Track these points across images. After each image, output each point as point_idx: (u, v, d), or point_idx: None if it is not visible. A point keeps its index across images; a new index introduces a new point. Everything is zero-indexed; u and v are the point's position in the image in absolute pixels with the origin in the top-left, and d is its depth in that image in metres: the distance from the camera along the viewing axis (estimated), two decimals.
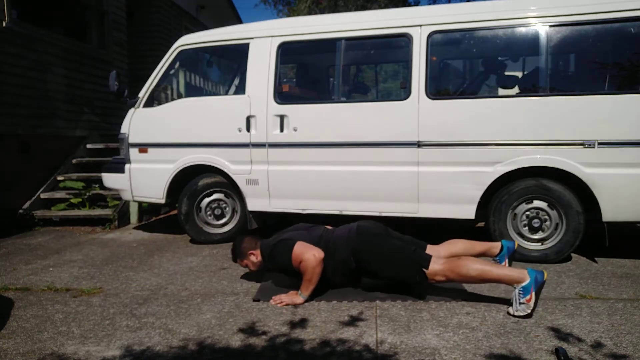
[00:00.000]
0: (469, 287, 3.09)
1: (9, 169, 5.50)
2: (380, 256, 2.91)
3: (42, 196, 5.93)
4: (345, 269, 3.00)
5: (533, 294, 2.57)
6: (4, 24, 5.38)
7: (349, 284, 3.11)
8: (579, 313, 2.67)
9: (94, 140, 6.85)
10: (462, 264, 2.74)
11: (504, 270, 2.72)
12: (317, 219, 4.06)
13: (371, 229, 3.01)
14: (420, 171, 3.81)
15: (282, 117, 4.14)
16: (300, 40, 4.18)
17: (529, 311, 2.57)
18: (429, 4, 18.17)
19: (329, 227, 3.24)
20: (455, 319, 2.62)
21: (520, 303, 2.59)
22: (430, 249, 3.04)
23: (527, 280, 2.59)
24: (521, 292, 2.59)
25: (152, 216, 6.16)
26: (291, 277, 3.04)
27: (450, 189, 3.77)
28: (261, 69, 4.21)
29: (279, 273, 3.16)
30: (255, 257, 3.13)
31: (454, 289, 3.04)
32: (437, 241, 3.23)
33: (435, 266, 2.79)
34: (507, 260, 3.25)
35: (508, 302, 2.78)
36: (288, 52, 4.33)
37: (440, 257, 2.93)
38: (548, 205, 3.67)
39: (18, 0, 5.67)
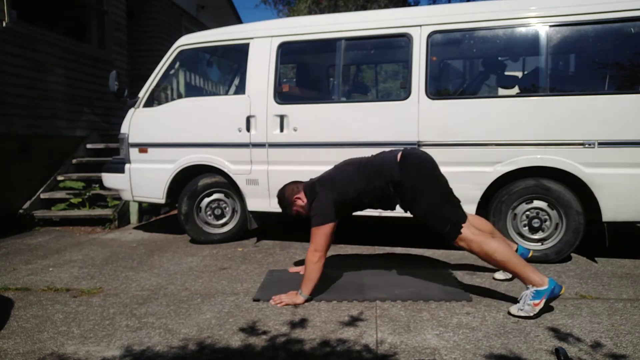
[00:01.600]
0: (469, 287, 3.09)
1: (9, 169, 5.50)
2: (422, 195, 2.81)
3: (42, 196, 5.92)
4: (383, 195, 2.91)
5: (543, 301, 2.56)
6: (4, 24, 5.38)
7: (383, 208, 3.05)
8: (579, 313, 2.67)
9: (94, 140, 6.85)
10: (492, 243, 2.69)
11: (528, 268, 2.65)
12: None
13: (428, 160, 2.91)
14: None
15: (282, 117, 4.14)
16: (300, 40, 4.18)
17: (532, 314, 2.56)
18: (429, 4, 18.19)
19: (373, 155, 3.10)
20: (455, 319, 2.62)
21: (527, 304, 2.58)
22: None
23: (545, 287, 2.57)
24: (533, 294, 2.57)
25: (152, 216, 6.16)
26: None
27: None
28: (261, 69, 4.21)
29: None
30: (302, 200, 3.06)
31: (454, 290, 3.04)
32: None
33: (467, 232, 2.72)
34: None
35: (508, 302, 2.78)
36: (288, 52, 4.34)
37: (471, 225, 2.86)
38: (548, 205, 3.67)
39: (18, 0, 5.66)
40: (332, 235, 2.90)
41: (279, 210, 4.24)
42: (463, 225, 2.74)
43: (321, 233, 2.83)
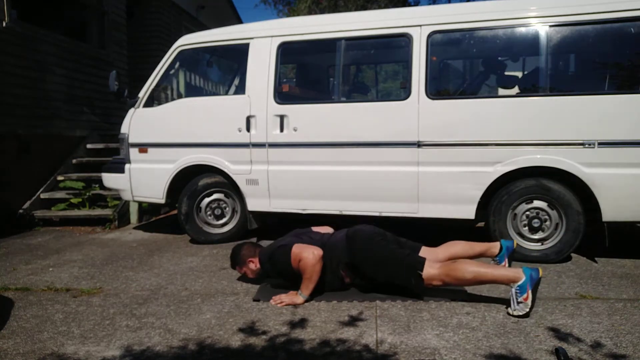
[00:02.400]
0: (469, 287, 3.09)
1: (9, 169, 5.50)
2: (374, 260, 2.91)
3: (42, 196, 5.93)
4: (342, 271, 3.00)
5: (530, 292, 2.57)
6: (4, 24, 5.38)
7: (345, 287, 3.09)
8: (579, 313, 2.67)
9: (94, 140, 6.85)
10: (457, 267, 2.74)
11: (499, 270, 2.73)
12: (317, 219, 4.06)
13: (365, 233, 3.01)
14: (420, 171, 3.81)
15: (282, 117, 4.14)
16: (300, 40, 4.18)
17: (527, 310, 2.57)
18: (429, 4, 18.18)
19: (328, 231, 3.25)
20: (455, 319, 2.62)
21: (518, 302, 2.59)
22: (428, 252, 3.04)
23: (523, 279, 2.59)
24: (518, 290, 2.60)
25: (152, 216, 6.16)
26: (290, 281, 3.03)
27: (450, 189, 3.77)
28: (261, 69, 4.21)
29: (277, 278, 3.16)
30: (254, 264, 3.14)
31: (453, 289, 3.04)
32: (436, 241, 3.23)
33: (431, 270, 2.77)
34: (506, 260, 3.25)
35: (508, 302, 2.78)
36: (288, 52, 4.33)
37: (439, 259, 2.93)
38: (548, 205, 3.67)
39: (18, 0, 5.66)
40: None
41: (279, 210, 4.27)
42: (423, 268, 2.77)
43: (299, 248, 2.91)
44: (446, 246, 3.19)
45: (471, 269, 2.71)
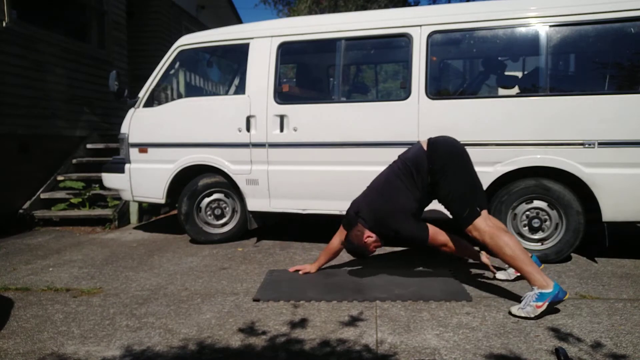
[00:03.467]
0: (469, 287, 3.09)
1: (9, 169, 5.50)
2: (448, 176, 2.89)
3: (42, 196, 5.92)
4: (423, 188, 3.00)
5: (546, 304, 2.56)
6: (4, 24, 5.38)
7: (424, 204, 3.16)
8: (579, 313, 2.67)
9: (94, 140, 6.85)
10: (504, 237, 2.73)
11: (534, 269, 2.66)
12: (317, 219, 4.06)
13: (450, 143, 3.01)
14: None
15: (282, 117, 4.14)
16: (300, 40, 4.18)
17: (533, 316, 2.56)
18: (429, 4, 18.19)
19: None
20: (455, 319, 2.62)
21: (529, 305, 2.57)
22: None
23: (550, 290, 2.57)
24: (537, 296, 2.57)
25: (152, 216, 6.16)
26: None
27: None
28: (261, 69, 4.21)
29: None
30: (371, 236, 3.09)
31: (454, 290, 3.04)
32: None
33: (482, 222, 2.77)
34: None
35: (508, 302, 2.79)
36: (288, 52, 4.33)
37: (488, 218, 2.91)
38: (548, 205, 3.67)
39: (18, 0, 5.66)
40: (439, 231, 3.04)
41: (279, 210, 4.27)
42: (481, 214, 2.79)
43: (436, 233, 3.01)
44: (493, 217, 3.20)
45: (514, 247, 2.70)
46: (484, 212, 2.84)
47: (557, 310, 2.69)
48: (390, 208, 3.04)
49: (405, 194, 3.01)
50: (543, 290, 2.57)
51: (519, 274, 3.05)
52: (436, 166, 2.91)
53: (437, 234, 3.02)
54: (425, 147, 3.00)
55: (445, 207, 3.00)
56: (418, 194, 3.02)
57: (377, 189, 3.14)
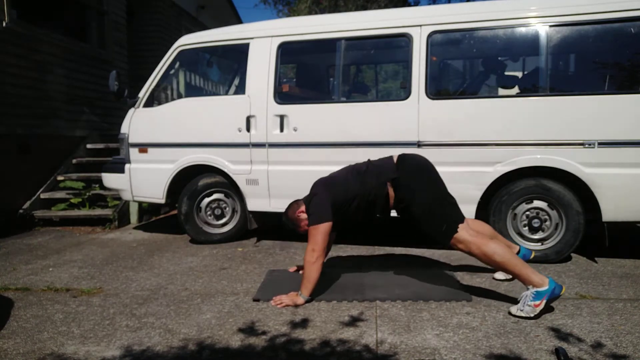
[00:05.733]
0: (469, 287, 3.09)
1: (9, 169, 5.50)
2: (418, 193, 2.81)
3: (42, 196, 5.92)
4: (376, 197, 2.90)
5: (544, 302, 2.56)
6: (4, 24, 5.38)
7: (367, 220, 3.04)
8: (579, 313, 2.67)
9: (94, 140, 6.85)
10: (490, 245, 2.68)
11: (528, 269, 2.64)
12: None
13: (419, 160, 2.94)
14: None
15: (282, 117, 4.14)
16: (300, 40, 4.18)
17: (532, 315, 2.56)
18: (429, 4, 18.19)
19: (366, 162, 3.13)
20: (455, 319, 2.62)
21: (527, 305, 2.57)
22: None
23: (545, 287, 2.57)
24: (534, 294, 2.57)
25: (152, 216, 6.16)
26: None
27: (450, 189, 3.75)
28: (261, 69, 4.21)
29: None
30: (303, 212, 3.04)
31: (454, 290, 3.04)
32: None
33: (465, 233, 2.70)
34: None
35: (508, 302, 2.78)
36: (288, 52, 4.33)
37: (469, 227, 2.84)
38: (548, 205, 3.67)
39: (18, 0, 5.66)
40: (330, 235, 2.90)
41: (279, 210, 4.26)
42: (460, 225, 2.73)
43: (318, 232, 2.84)
44: (476, 222, 3.17)
45: (503, 253, 2.65)
46: (464, 223, 2.76)
47: (557, 310, 2.69)
48: (322, 182, 3.00)
49: (349, 185, 2.93)
50: (539, 289, 2.58)
51: None
52: (403, 180, 2.85)
53: (324, 233, 2.85)
54: (394, 160, 2.95)
55: (422, 231, 2.88)
56: (359, 194, 2.91)
57: (339, 170, 3.13)
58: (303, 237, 4.61)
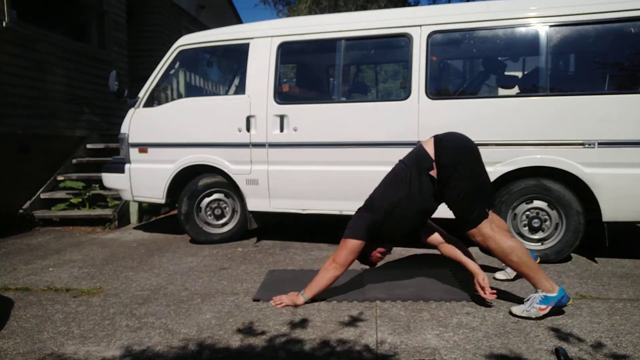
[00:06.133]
0: (469, 287, 3.09)
1: (9, 169, 5.50)
2: (460, 174, 2.67)
3: (42, 196, 5.92)
4: (421, 192, 2.76)
5: (550, 307, 2.56)
6: (4, 24, 5.38)
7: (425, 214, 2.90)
8: (579, 313, 2.67)
9: (94, 140, 6.85)
10: (510, 242, 2.63)
11: (541, 273, 2.62)
12: (317, 219, 4.06)
13: (462, 139, 2.82)
14: None
15: (282, 117, 4.14)
16: (300, 40, 4.18)
17: (534, 317, 2.56)
18: (429, 4, 18.19)
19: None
20: (455, 319, 2.62)
21: (533, 307, 2.57)
22: None
23: (554, 294, 2.56)
24: (542, 298, 2.57)
25: (152, 216, 6.16)
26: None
27: None
28: (261, 69, 4.21)
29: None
30: (378, 250, 2.96)
31: (454, 290, 3.04)
32: None
33: (487, 226, 2.65)
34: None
35: (508, 302, 2.78)
36: (288, 52, 4.33)
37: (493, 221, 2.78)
38: (548, 205, 3.67)
39: (18, 0, 5.66)
40: (356, 254, 2.82)
41: (279, 210, 4.27)
42: (486, 218, 2.67)
43: (346, 247, 2.78)
44: (496, 217, 3.12)
45: (521, 254, 2.61)
46: (489, 215, 2.71)
47: (557, 310, 2.69)
48: (366, 204, 2.91)
49: (389, 195, 2.82)
50: (548, 294, 2.57)
51: (517, 274, 3.04)
52: (446, 161, 2.69)
53: (350, 250, 2.77)
54: (429, 146, 2.78)
55: (451, 207, 2.78)
56: (404, 198, 2.77)
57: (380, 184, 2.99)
58: (304, 238, 4.64)
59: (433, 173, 2.73)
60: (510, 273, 3.22)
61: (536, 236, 3.71)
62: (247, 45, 4.29)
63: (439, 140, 2.78)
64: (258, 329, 2.55)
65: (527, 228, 3.72)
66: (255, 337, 2.45)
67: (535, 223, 3.69)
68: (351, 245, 2.77)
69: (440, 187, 2.75)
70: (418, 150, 2.84)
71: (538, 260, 3.36)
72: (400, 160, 2.94)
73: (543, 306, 2.56)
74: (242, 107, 4.25)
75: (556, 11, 3.58)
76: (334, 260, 2.79)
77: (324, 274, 2.82)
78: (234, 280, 3.42)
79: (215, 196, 4.55)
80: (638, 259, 3.76)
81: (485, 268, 3.39)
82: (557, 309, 2.66)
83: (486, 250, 2.84)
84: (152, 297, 3.08)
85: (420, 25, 3.83)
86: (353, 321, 2.61)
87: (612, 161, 3.46)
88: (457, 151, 2.74)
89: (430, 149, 2.76)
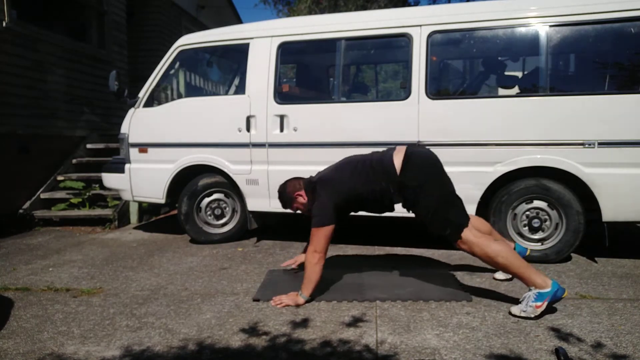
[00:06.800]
0: (469, 287, 3.09)
1: (9, 169, 5.50)
2: (425, 195, 2.77)
3: (42, 196, 5.92)
4: (383, 195, 2.90)
5: (546, 303, 2.56)
6: (4, 24, 5.38)
7: (381, 209, 3.06)
8: (579, 313, 2.67)
9: (94, 140, 6.85)
10: (494, 246, 2.66)
11: (530, 270, 2.62)
12: None
13: (426, 159, 2.88)
14: None
15: (282, 117, 4.14)
16: (300, 40, 4.18)
17: (533, 316, 2.56)
18: (429, 4, 18.20)
19: (371, 153, 3.09)
20: (455, 319, 2.62)
21: (529, 305, 2.57)
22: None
23: (548, 289, 2.56)
24: (536, 296, 2.57)
25: (152, 216, 6.16)
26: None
27: None
28: (261, 69, 4.21)
29: None
30: (303, 197, 3.08)
31: (454, 290, 3.04)
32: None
33: (469, 234, 2.70)
34: None
35: (508, 302, 2.78)
36: (288, 52, 4.34)
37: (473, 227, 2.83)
38: (548, 205, 3.67)
39: (18, 0, 5.66)
40: (331, 237, 2.90)
41: (279, 210, 4.26)
42: (465, 228, 2.72)
43: (321, 234, 2.83)
44: (476, 220, 3.17)
45: (506, 255, 2.64)
46: (469, 223, 2.75)
47: (557, 310, 2.69)
48: (326, 183, 2.98)
49: (353, 185, 2.91)
50: (541, 290, 2.57)
51: None
52: (410, 182, 2.79)
53: (326, 236, 2.84)
54: (402, 157, 2.84)
55: (427, 226, 2.85)
56: (365, 193, 2.90)
57: (337, 166, 3.10)
58: (304, 237, 4.63)
59: (392, 186, 2.86)
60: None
61: (536, 236, 3.71)
62: (247, 45, 4.29)
63: (407, 157, 2.85)
64: (258, 329, 2.55)
65: (527, 228, 3.72)
66: (256, 337, 2.45)
67: (535, 223, 3.69)
68: (326, 231, 2.84)
69: (410, 203, 2.88)
70: (387, 160, 2.88)
71: (528, 252, 3.35)
72: (371, 155, 3.03)
73: (539, 303, 2.56)
74: (242, 107, 4.25)
75: (556, 11, 3.59)
76: (316, 251, 2.83)
77: (313, 268, 2.84)
78: (234, 280, 3.42)
79: (215, 196, 4.55)
80: (638, 259, 3.76)
81: (485, 268, 3.40)
82: (556, 306, 2.66)
83: None
84: (152, 297, 3.08)
85: (420, 25, 3.83)
86: (353, 321, 2.61)
87: (612, 161, 3.46)
88: (422, 172, 2.83)
89: (397, 164, 2.85)
